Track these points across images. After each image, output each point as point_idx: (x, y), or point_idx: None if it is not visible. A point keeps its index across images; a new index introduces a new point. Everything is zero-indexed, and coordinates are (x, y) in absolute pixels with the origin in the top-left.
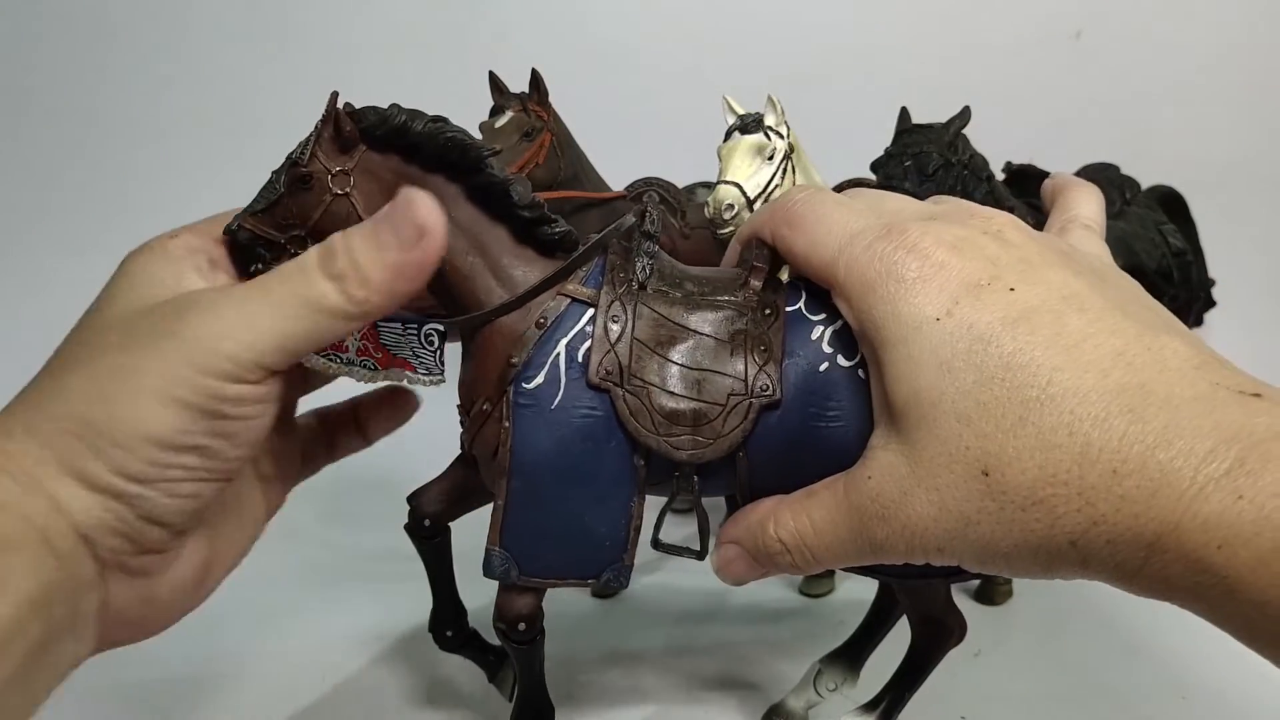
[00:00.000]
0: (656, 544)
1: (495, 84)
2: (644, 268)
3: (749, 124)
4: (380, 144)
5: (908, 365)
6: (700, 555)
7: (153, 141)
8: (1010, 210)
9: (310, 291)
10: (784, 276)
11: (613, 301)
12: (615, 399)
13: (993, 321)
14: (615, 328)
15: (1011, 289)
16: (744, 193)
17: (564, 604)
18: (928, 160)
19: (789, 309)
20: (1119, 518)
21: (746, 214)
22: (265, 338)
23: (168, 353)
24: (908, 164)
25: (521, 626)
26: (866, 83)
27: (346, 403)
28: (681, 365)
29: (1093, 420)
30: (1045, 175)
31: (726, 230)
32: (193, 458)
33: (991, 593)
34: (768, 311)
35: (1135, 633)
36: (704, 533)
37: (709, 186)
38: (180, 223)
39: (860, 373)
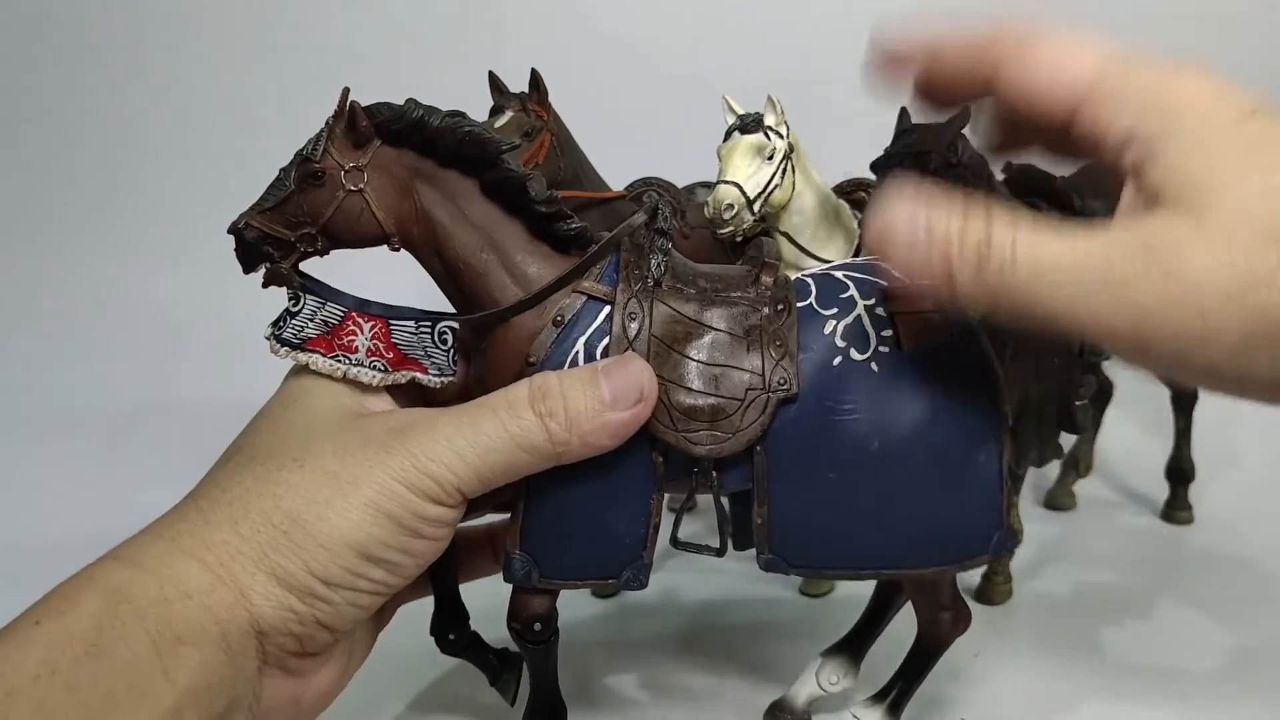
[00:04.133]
0: (675, 542)
1: (495, 84)
2: (659, 264)
3: (749, 124)
4: (395, 139)
5: (1207, 145)
6: (720, 552)
7: (151, 142)
8: None
9: (514, 427)
10: (790, 275)
11: (629, 299)
12: None
13: None
14: (633, 325)
15: None
16: (744, 193)
17: (565, 604)
18: (928, 160)
19: (800, 305)
20: None
21: (746, 214)
22: (469, 465)
23: (384, 467)
24: (908, 164)
25: (537, 627)
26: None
27: (483, 527)
28: (699, 361)
29: None
30: (1045, 175)
31: (726, 230)
32: (380, 570)
33: (991, 593)
34: (780, 307)
35: (1135, 633)
36: (723, 530)
37: (709, 186)
38: (179, 224)
39: (873, 365)
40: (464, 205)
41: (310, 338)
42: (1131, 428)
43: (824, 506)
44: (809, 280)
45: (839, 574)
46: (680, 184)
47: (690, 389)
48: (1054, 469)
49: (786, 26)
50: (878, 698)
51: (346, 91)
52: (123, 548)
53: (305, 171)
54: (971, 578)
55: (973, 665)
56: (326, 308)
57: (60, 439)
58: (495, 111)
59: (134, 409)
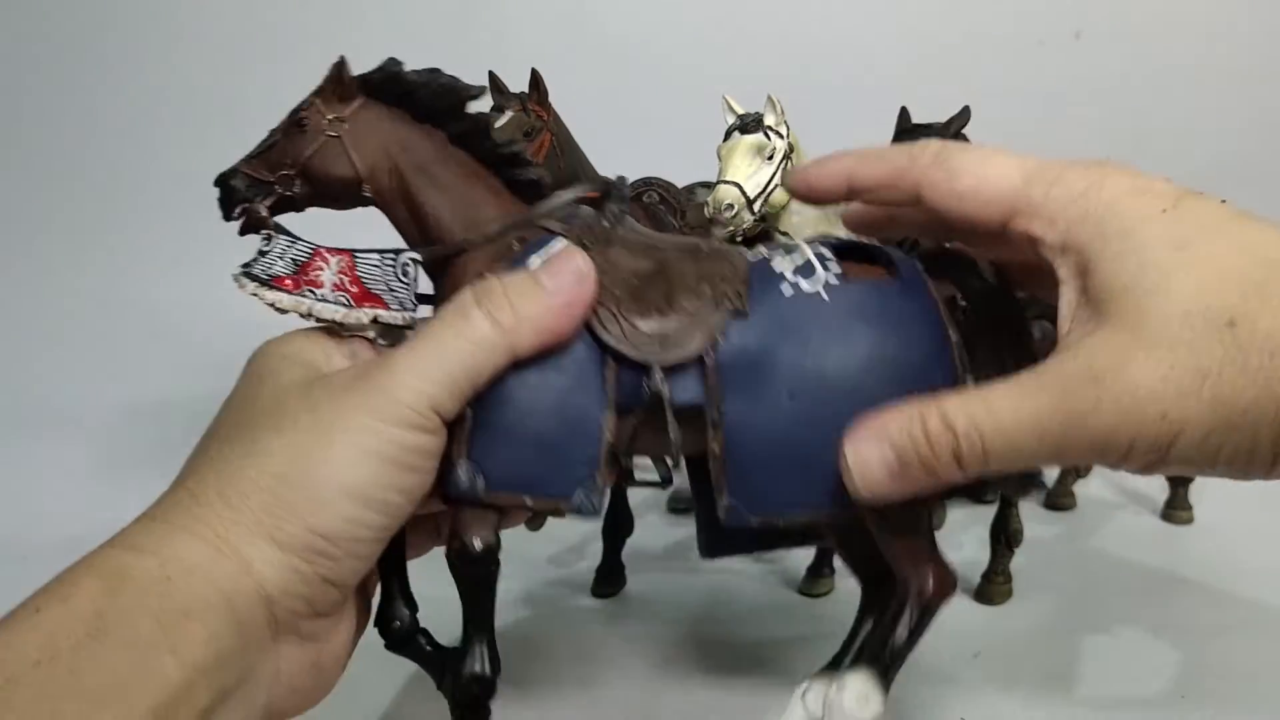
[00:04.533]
0: (625, 470)
1: (495, 84)
2: (613, 213)
3: (749, 124)
4: (377, 93)
5: (1137, 246)
6: (666, 481)
7: (152, 142)
8: None
9: (466, 328)
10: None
11: (583, 229)
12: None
13: (1218, 214)
14: (585, 246)
15: (1220, 201)
16: (744, 192)
17: (565, 604)
18: None
19: (753, 260)
20: None
21: (746, 214)
22: (435, 381)
23: (358, 409)
24: None
25: (477, 544)
26: (866, 83)
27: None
28: (650, 282)
29: None
30: None
31: (726, 230)
32: (376, 514)
33: (991, 593)
34: (731, 249)
35: (1135, 633)
36: (674, 450)
37: (709, 186)
38: (179, 224)
39: (823, 295)
40: (433, 155)
41: (278, 275)
42: None
43: (782, 435)
44: (760, 247)
45: (803, 514)
46: (680, 184)
47: (641, 307)
48: (1053, 469)
49: (786, 26)
50: (862, 660)
51: (342, 59)
52: (119, 536)
53: (292, 120)
54: (971, 578)
55: (973, 665)
56: (296, 246)
57: (60, 439)
58: (495, 111)
59: (134, 409)
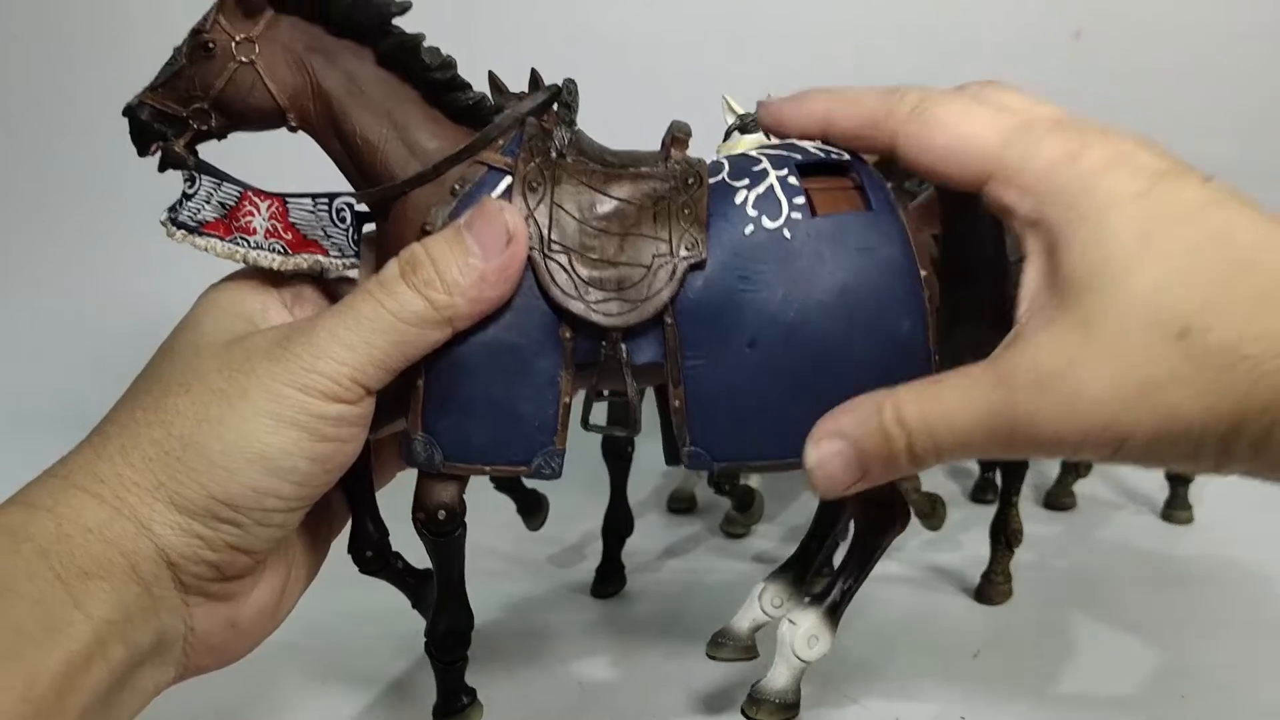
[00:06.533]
0: (585, 424)
1: (495, 84)
2: (562, 138)
3: (749, 124)
4: (288, 7)
5: (1102, 234)
6: (631, 432)
7: None
8: None
9: (393, 304)
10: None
11: (530, 168)
12: (535, 266)
13: (1194, 200)
14: (534, 196)
15: (1204, 180)
16: None
17: (565, 604)
18: None
19: (712, 180)
20: None
21: None
22: (359, 354)
23: (271, 374)
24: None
25: (442, 515)
26: (866, 82)
27: (396, 433)
28: (602, 230)
29: None
30: None
31: None
32: (287, 484)
33: (991, 593)
34: (690, 181)
35: (1135, 633)
36: (635, 410)
37: None
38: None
39: (785, 233)
40: (360, 78)
41: (207, 221)
42: None
43: (744, 385)
44: (722, 160)
45: (768, 463)
46: None
47: (595, 259)
48: (1054, 468)
49: (786, 26)
50: (814, 600)
51: None
52: (19, 493)
53: (195, 43)
54: (971, 578)
55: (973, 665)
56: (223, 188)
57: (60, 439)
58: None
59: None
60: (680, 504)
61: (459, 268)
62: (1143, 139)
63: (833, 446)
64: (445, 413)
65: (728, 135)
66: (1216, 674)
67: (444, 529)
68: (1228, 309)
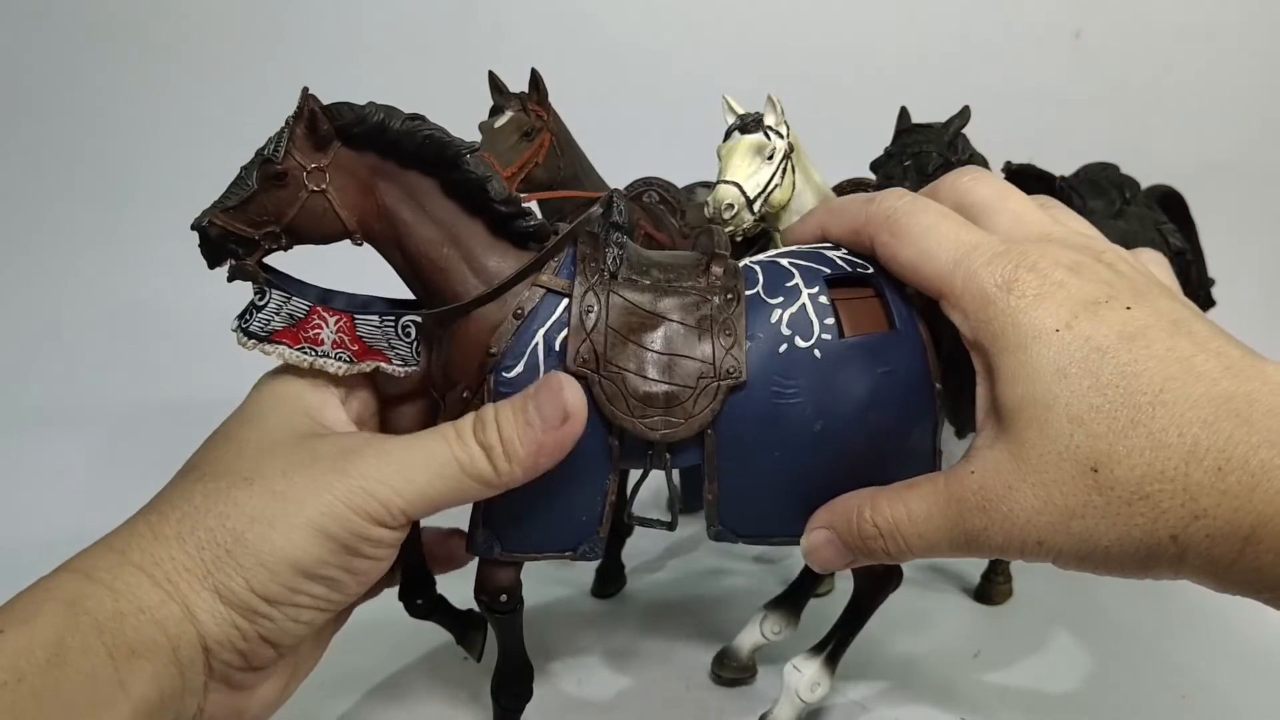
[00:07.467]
0: (630, 517)
1: (495, 84)
2: (614, 258)
3: (749, 124)
4: (356, 141)
5: (1025, 370)
6: (671, 526)
7: (151, 141)
8: None
9: (462, 455)
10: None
11: (586, 291)
12: (592, 385)
13: (1109, 335)
14: (590, 317)
15: (1127, 308)
16: (743, 192)
17: (565, 604)
18: (927, 160)
19: (748, 293)
20: (1219, 511)
21: (746, 214)
22: (416, 489)
23: (330, 488)
24: (907, 164)
25: (503, 598)
26: (866, 83)
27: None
28: (653, 351)
29: (1201, 423)
30: (1045, 175)
31: (726, 230)
32: (321, 588)
33: (991, 593)
34: (729, 296)
35: (1136, 633)
36: (674, 506)
37: (709, 186)
38: (178, 224)
39: (816, 352)
40: (425, 203)
41: (276, 330)
42: None
43: (770, 482)
44: (756, 268)
45: (783, 541)
46: (680, 184)
47: (646, 377)
48: None
49: (786, 26)
50: (816, 650)
51: (305, 91)
52: (76, 559)
53: (267, 173)
54: (971, 577)
55: (973, 665)
56: (291, 302)
57: (60, 439)
58: (495, 111)
59: (133, 409)
60: (680, 504)
61: (520, 437)
62: (1091, 248)
63: (822, 536)
64: (505, 513)
65: (728, 135)
66: (1216, 674)
67: (505, 608)
68: (1132, 448)
